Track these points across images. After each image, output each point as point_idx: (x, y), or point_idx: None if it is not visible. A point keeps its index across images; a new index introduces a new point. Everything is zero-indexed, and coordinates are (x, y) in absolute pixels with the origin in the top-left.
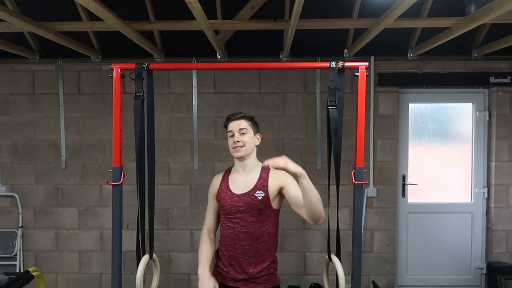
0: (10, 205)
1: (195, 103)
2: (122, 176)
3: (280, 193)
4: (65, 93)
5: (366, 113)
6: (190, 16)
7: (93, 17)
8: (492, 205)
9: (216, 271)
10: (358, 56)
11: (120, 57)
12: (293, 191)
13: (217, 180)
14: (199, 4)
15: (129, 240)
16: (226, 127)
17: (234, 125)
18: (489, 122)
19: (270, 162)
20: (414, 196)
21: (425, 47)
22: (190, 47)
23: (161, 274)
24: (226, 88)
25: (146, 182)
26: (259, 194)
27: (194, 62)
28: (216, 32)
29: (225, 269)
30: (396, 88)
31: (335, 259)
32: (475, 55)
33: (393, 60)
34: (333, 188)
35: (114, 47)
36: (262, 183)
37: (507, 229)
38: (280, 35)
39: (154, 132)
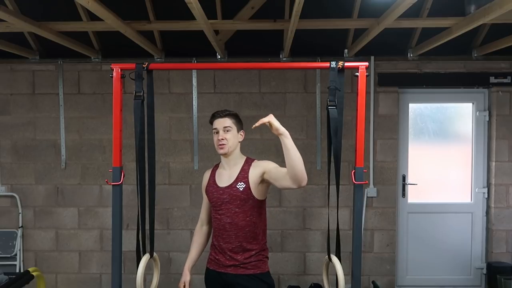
0: (10, 205)
1: (195, 103)
2: (122, 176)
3: (263, 181)
4: (65, 93)
5: (366, 113)
6: (190, 16)
7: (93, 17)
8: (492, 205)
9: (209, 259)
10: (358, 56)
11: (120, 57)
12: (273, 169)
13: (206, 176)
14: (199, 4)
15: (129, 240)
16: (211, 123)
17: (219, 123)
18: (489, 122)
19: (257, 124)
20: (414, 196)
21: (425, 47)
22: (190, 47)
23: (161, 274)
24: (226, 88)
25: (146, 182)
26: (240, 186)
27: (194, 62)
28: (216, 32)
29: (216, 257)
30: (396, 88)
31: (335, 259)
32: (475, 55)
33: (393, 60)
34: (333, 188)
35: (114, 47)
36: (243, 175)
37: (507, 229)
38: (280, 35)
39: (154, 132)
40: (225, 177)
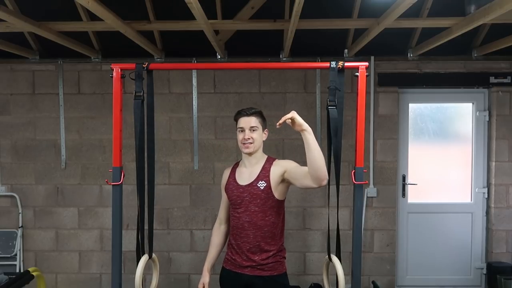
0: (10, 205)
1: (195, 103)
2: (122, 176)
3: (284, 180)
4: (65, 93)
5: (366, 113)
6: (190, 16)
7: (93, 17)
8: (492, 205)
9: (226, 259)
10: (358, 56)
11: (120, 57)
12: (294, 168)
13: (226, 173)
14: (199, 4)
15: (129, 240)
16: (236, 121)
17: (245, 122)
18: (489, 122)
19: (281, 121)
20: (414, 196)
21: (425, 47)
22: (190, 47)
23: (161, 274)
24: (226, 88)
25: (146, 182)
26: (261, 184)
27: (194, 62)
28: (216, 32)
29: (233, 257)
30: (396, 88)
31: (335, 259)
32: (475, 55)
33: (393, 60)
34: (333, 188)
35: (114, 47)
36: (264, 173)
37: (507, 229)
38: (280, 35)
39: (154, 132)
40: (246, 175)
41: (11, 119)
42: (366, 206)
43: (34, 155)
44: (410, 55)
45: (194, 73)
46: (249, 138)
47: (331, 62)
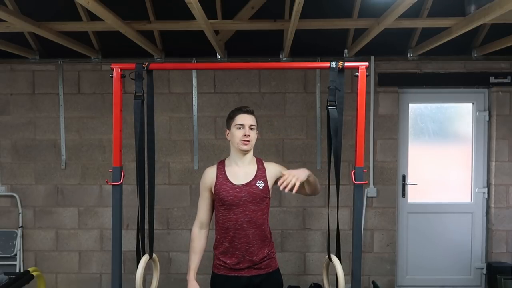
0: (10, 205)
1: (195, 103)
2: (122, 176)
3: (275, 182)
4: (65, 93)
5: (366, 113)
6: (190, 16)
7: (93, 17)
8: (492, 205)
9: (217, 264)
10: (358, 56)
11: (120, 57)
12: None
13: (211, 173)
14: (199, 4)
15: (129, 240)
16: (234, 117)
17: (245, 119)
18: (489, 122)
19: (288, 187)
20: (414, 196)
21: (425, 47)
22: (190, 47)
23: (161, 274)
24: (226, 88)
25: (146, 182)
26: (260, 184)
27: (194, 62)
28: (216, 32)
29: (228, 261)
30: (396, 88)
31: (335, 259)
32: (475, 55)
33: (393, 60)
34: (333, 188)
35: (114, 47)
36: (261, 173)
37: (507, 229)
38: (280, 35)
39: (154, 132)
40: (241, 174)
41: (11, 119)
42: (366, 206)
43: (34, 155)
44: (410, 55)
45: (194, 73)
46: (249, 135)
47: (331, 62)
